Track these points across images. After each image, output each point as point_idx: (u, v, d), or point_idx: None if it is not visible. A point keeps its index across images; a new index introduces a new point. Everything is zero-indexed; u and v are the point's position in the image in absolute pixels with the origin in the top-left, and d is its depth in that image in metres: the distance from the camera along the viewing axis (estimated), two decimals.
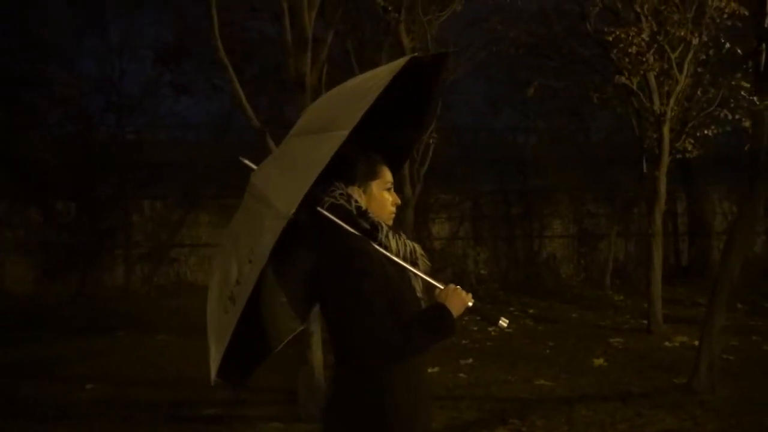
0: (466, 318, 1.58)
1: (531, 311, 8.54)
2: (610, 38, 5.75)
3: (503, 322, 1.66)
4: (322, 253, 1.61)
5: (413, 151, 1.91)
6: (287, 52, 4.02)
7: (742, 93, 5.51)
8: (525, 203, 13.13)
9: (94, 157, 10.92)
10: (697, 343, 6.37)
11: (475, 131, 12.88)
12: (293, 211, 1.43)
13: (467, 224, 12.97)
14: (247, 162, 1.67)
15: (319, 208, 1.60)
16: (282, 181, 1.53)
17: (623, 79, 6.24)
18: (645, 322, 7.00)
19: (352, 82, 1.68)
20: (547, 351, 6.03)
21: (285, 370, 4.27)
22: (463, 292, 1.62)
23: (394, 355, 1.54)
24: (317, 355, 4.07)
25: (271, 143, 3.68)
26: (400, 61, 1.52)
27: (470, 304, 1.63)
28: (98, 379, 5.30)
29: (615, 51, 5.90)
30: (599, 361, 5.48)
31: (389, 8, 5.53)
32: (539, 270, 12.72)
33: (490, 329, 6.72)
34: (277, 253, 1.48)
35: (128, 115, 11.81)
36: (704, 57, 6.37)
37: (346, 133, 1.44)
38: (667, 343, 6.23)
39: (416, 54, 1.63)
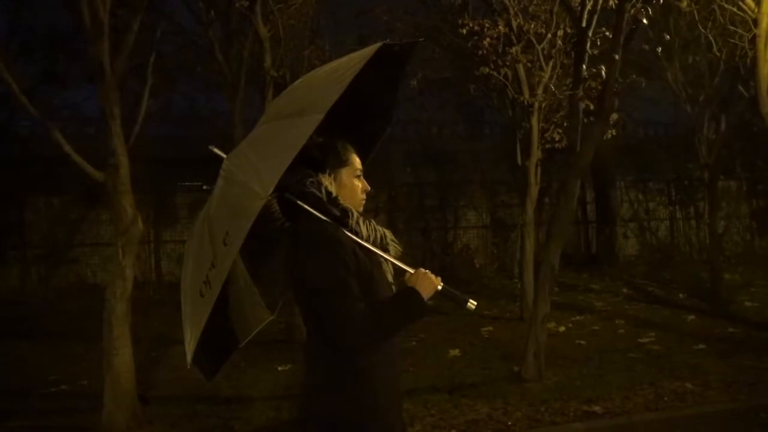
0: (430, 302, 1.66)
1: (430, 302, 8.54)
2: (464, 31, 5.75)
3: (471, 305, 1.68)
4: (293, 241, 1.62)
5: (381, 139, 1.95)
6: (87, 40, 3.81)
7: (553, 84, 5.59)
8: (440, 195, 13.23)
9: None
10: (562, 329, 6.57)
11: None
12: (270, 192, 1.46)
13: (383, 216, 12.95)
14: (216, 150, 1.67)
15: (289, 195, 1.63)
16: (258, 164, 1.54)
17: (487, 71, 6.27)
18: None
19: (324, 68, 1.72)
20: (413, 343, 6.01)
21: (95, 374, 4.09)
22: (432, 276, 1.66)
23: (367, 338, 1.57)
24: (125, 359, 3.88)
25: (57, 135, 3.46)
26: (372, 48, 1.57)
27: (440, 287, 1.66)
28: None
29: (469, 44, 5.90)
30: (454, 352, 5.50)
31: None
32: (454, 261, 12.85)
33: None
34: (248, 242, 1.49)
35: (21, 108, 11.22)
36: (567, 49, 6.46)
37: (321, 116, 1.49)
38: None
39: (387, 40, 1.69)
